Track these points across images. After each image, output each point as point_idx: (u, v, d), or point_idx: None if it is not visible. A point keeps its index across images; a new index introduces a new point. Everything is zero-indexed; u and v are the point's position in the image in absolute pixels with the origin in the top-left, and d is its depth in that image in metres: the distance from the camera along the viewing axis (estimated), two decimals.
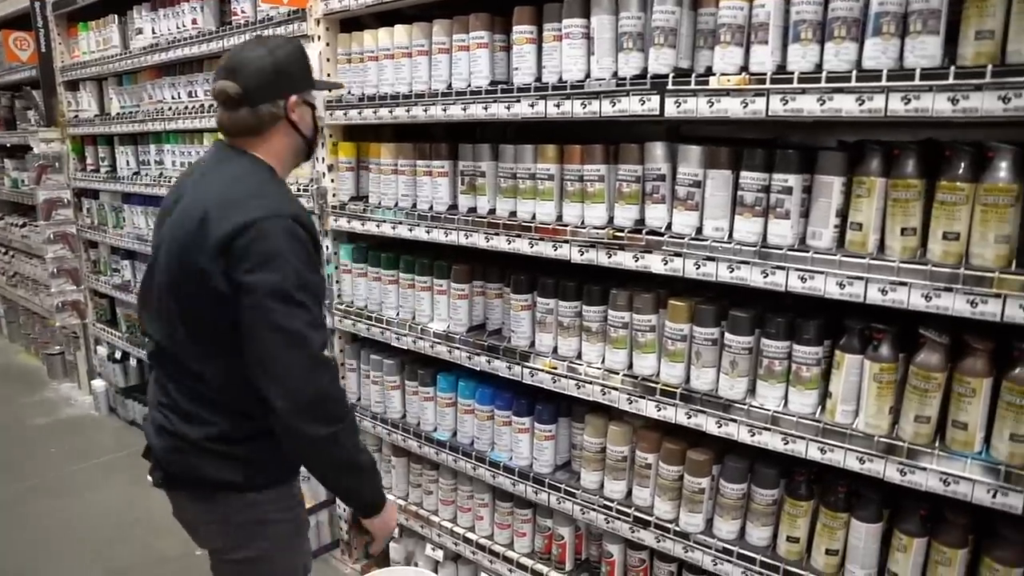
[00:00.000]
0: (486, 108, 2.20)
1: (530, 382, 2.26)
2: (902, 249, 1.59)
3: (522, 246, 2.19)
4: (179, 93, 3.60)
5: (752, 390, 1.87)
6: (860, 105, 1.54)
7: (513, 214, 2.24)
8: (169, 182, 3.76)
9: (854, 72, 1.54)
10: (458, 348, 2.44)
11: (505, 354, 2.31)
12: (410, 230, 2.51)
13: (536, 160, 2.15)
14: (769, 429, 1.80)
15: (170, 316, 1.63)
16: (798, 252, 1.69)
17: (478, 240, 2.30)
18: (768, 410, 1.80)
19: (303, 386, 1.49)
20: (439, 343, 2.50)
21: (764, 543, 1.91)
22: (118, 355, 4.70)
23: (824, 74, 1.58)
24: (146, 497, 3.79)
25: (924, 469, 1.58)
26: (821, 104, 1.59)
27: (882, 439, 1.64)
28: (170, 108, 3.65)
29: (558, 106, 2.03)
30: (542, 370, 2.22)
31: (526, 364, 2.26)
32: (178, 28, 3.46)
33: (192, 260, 1.53)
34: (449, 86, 2.33)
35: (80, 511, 3.69)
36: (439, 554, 2.74)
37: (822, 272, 1.66)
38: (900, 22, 1.51)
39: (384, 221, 2.60)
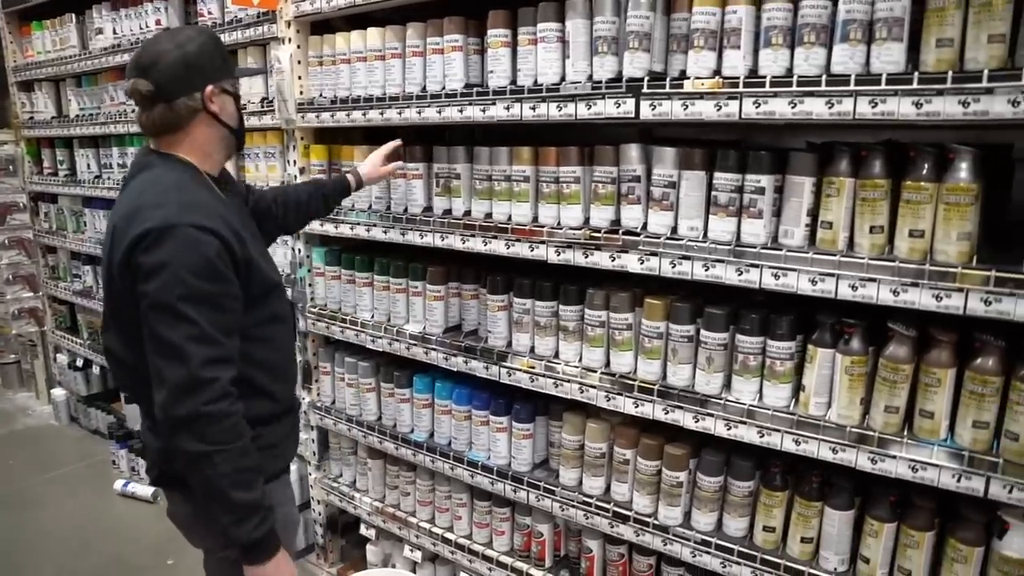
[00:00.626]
0: (461, 111, 2.21)
1: (508, 382, 2.28)
2: (870, 246, 1.65)
3: (498, 247, 2.21)
4: None
5: (728, 385, 1.92)
6: (830, 108, 1.60)
7: (489, 216, 2.26)
8: None
9: (824, 76, 1.60)
10: (434, 349, 2.45)
11: (482, 354, 2.33)
12: (385, 232, 2.51)
13: (511, 162, 2.17)
14: (745, 423, 1.85)
15: (118, 332, 1.64)
16: (771, 250, 1.74)
17: (454, 242, 2.32)
18: (744, 404, 1.85)
19: (173, 402, 1.44)
20: (415, 345, 2.51)
21: (741, 533, 1.97)
22: (79, 363, 4.57)
23: (795, 78, 1.63)
24: (112, 507, 3.72)
25: (894, 457, 1.65)
26: (792, 107, 1.65)
27: (854, 429, 1.70)
28: (134, 110, 3.57)
29: (533, 109, 2.05)
30: (520, 370, 2.24)
31: (504, 364, 2.28)
32: (141, 29, 3.39)
33: (113, 277, 1.55)
34: (423, 89, 2.33)
35: (44, 524, 3.58)
36: (417, 555, 2.74)
37: (795, 269, 1.71)
38: (866, 29, 1.57)
39: (359, 224, 2.59)
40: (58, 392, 4.67)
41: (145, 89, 1.54)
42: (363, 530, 2.91)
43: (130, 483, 3.79)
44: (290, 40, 2.69)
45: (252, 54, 2.93)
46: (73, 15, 3.87)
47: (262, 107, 2.87)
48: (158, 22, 3.31)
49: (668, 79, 1.81)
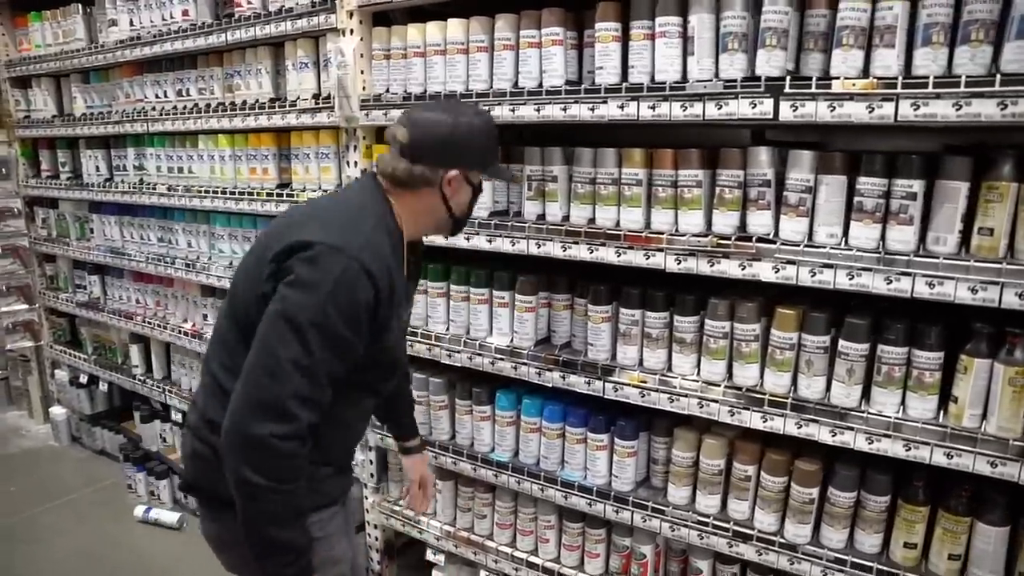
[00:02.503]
0: (565, 109, 2.08)
1: (613, 397, 2.16)
2: None
3: (607, 255, 2.08)
4: (166, 92, 3.28)
5: (865, 397, 1.84)
6: (1002, 110, 1.52)
7: (591, 221, 2.14)
8: (153, 189, 3.42)
9: (998, 76, 1.53)
10: (526, 364, 2.31)
11: (584, 369, 2.20)
12: (468, 239, 2.36)
13: (621, 164, 2.06)
14: (889, 436, 1.78)
15: (221, 324, 1.62)
16: (925, 258, 1.67)
17: (552, 249, 2.18)
18: (888, 417, 1.78)
19: (249, 418, 1.37)
20: (501, 359, 2.36)
21: (875, 550, 1.89)
22: (83, 379, 4.25)
23: (963, 78, 1.56)
24: (134, 536, 3.45)
25: None
26: (957, 109, 1.57)
27: (1016, 442, 1.64)
28: (154, 108, 3.32)
29: (653, 108, 1.94)
30: (629, 384, 2.12)
31: (609, 379, 2.16)
32: (164, 20, 3.15)
33: (254, 264, 1.54)
34: (516, 85, 2.20)
35: (53, 558, 3.29)
36: None
37: (952, 277, 1.64)
38: None
39: None
40: (57, 410, 4.34)
41: (401, 137, 1.55)
42: (429, 555, 2.75)
43: (152, 509, 3.52)
44: (352, 32, 2.52)
45: (302, 47, 2.74)
46: (79, 5, 3.59)
47: (316, 104, 2.69)
48: (185, 12, 3.07)
49: (814, 78, 1.72)
